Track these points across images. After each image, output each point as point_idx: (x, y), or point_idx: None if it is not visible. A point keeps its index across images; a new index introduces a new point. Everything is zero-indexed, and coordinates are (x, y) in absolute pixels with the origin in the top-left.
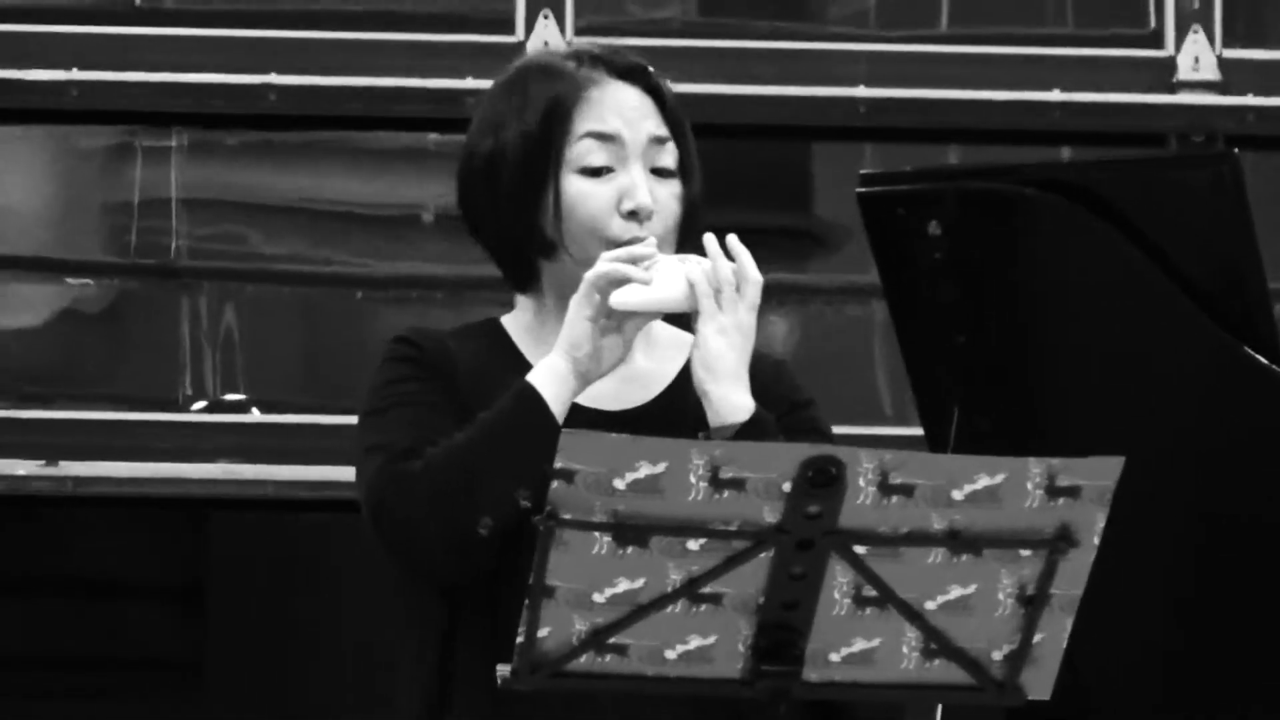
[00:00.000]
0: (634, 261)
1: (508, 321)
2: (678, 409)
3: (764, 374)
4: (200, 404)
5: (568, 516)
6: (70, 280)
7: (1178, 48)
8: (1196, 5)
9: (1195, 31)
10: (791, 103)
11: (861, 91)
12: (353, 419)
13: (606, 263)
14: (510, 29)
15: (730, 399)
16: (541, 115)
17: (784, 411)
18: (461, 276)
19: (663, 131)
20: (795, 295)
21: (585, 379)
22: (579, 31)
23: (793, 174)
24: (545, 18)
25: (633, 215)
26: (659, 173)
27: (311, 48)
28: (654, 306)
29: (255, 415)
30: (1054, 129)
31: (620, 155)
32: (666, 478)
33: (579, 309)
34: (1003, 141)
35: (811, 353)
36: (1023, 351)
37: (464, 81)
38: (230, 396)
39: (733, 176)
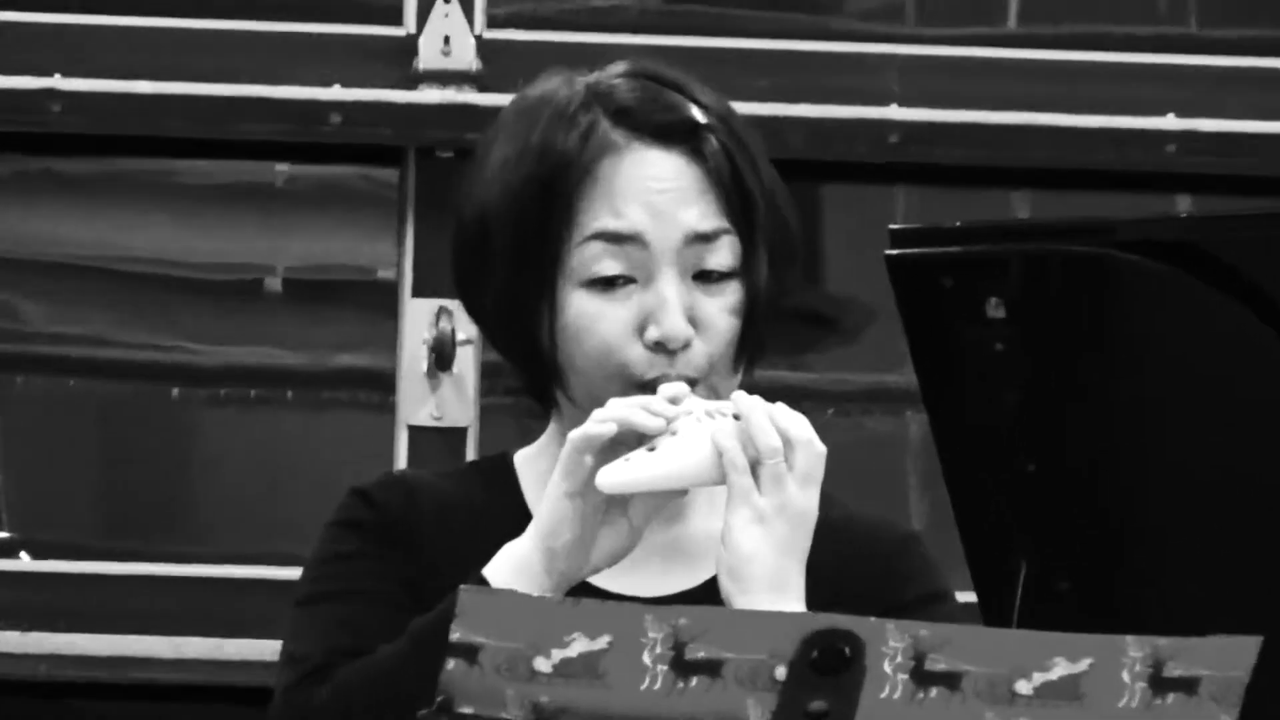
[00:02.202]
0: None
1: (523, 460)
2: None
3: (878, 554)
4: None
5: (468, 710)
6: None
7: None
8: None
9: None
10: (793, 128)
11: (894, 113)
12: (167, 569)
13: (595, 420)
14: (397, 18)
15: None
16: (534, 198)
17: (891, 611)
18: (320, 368)
19: (710, 224)
20: (796, 403)
21: (566, 578)
22: (493, 23)
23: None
24: (446, 2)
25: (660, 346)
26: (707, 278)
27: (113, 40)
28: (657, 485)
29: (25, 562)
30: (1166, 169)
31: (642, 261)
32: (611, 657)
33: (559, 481)
34: (1093, 186)
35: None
36: (1117, 482)
37: (329, 91)
38: None
39: None
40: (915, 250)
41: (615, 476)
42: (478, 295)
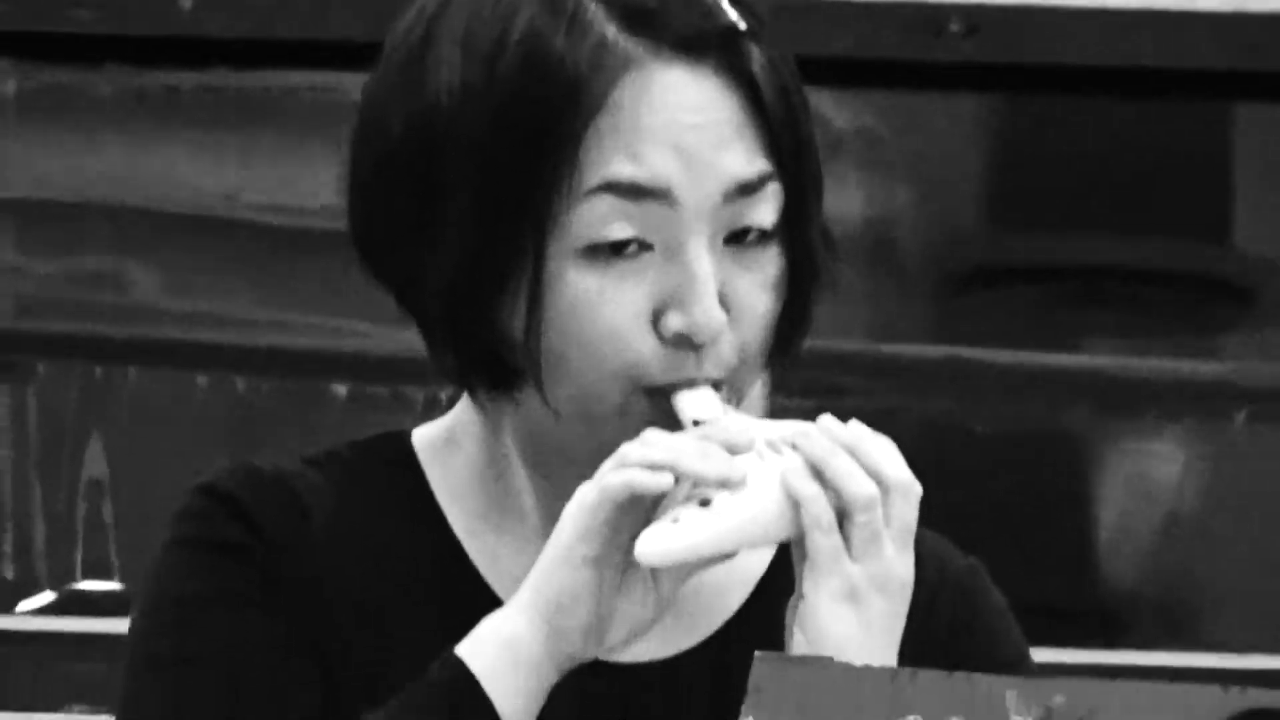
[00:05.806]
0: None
1: (426, 445)
2: (744, 661)
3: (940, 611)
4: None
5: None
6: None
7: None
8: None
9: None
10: (1196, 24)
11: None
12: None
13: (633, 467)
14: None
15: None
16: (520, 127)
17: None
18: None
19: (755, 168)
20: (1201, 402)
21: (572, 661)
22: None
23: (1190, 168)
24: None
25: (684, 340)
26: (741, 240)
27: None
28: (720, 549)
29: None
30: None
31: (665, 223)
32: None
33: (573, 543)
34: None
35: None
36: None
37: None
38: None
39: (1044, 174)
40: None
41: (663, 545)
42: (409, 265)
